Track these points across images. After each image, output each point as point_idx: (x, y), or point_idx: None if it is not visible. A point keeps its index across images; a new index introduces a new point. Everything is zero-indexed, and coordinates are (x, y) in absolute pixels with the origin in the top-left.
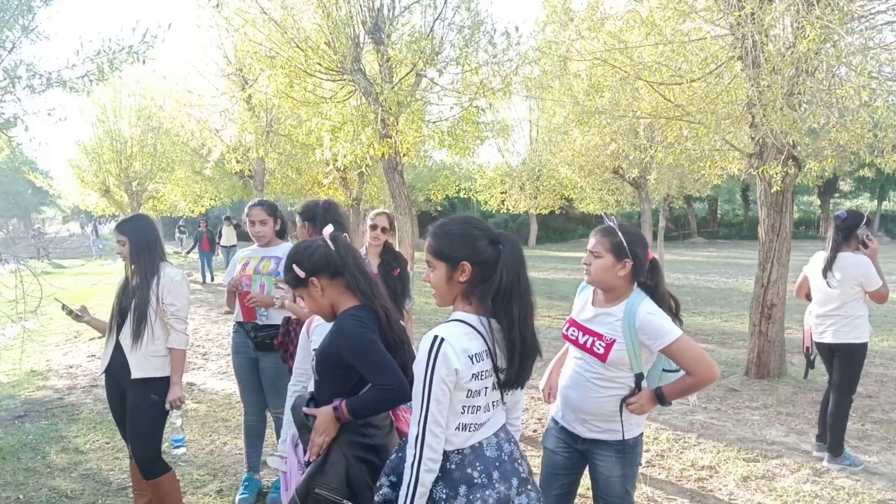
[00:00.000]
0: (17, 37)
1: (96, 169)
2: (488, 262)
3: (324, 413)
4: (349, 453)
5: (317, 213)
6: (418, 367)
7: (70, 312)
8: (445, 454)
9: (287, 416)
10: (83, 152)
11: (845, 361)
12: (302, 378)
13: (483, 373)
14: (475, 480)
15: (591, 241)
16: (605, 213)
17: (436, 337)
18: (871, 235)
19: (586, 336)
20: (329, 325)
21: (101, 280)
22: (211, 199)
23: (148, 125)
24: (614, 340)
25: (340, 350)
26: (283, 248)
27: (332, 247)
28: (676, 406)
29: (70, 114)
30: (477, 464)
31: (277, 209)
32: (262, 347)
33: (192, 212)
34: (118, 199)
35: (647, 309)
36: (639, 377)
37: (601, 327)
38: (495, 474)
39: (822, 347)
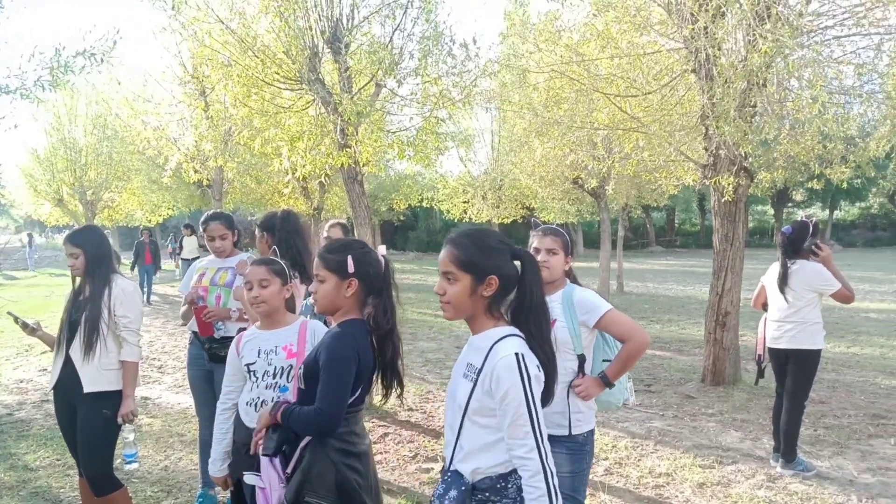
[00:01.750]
0: None
1: (49, 178)
2: (510, 277)
3: (263, 411)
4: (337, 460)
5: (275, 224)
6: (514, 389)
7: (25, 326)
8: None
9: (217, 436)
10: (36, 161)
11: (799, 367)
12: (232, 395)
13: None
14: None
15: (546, 240)
16: (532, 219)
17: (517, 354)
18: (820, 244)
19: None
20: (260, 339)
21: (55, 292)
22: (169, 209)
23: (104, 133)
24: (555, 320)
25: (321, 360)
26: (238, 259)
27: (383, 266)
28: (635, 413)
29: (23, 121)
30: None
31: (233, 220)
32: (217, 360)
33: (150, 221)
34: (72, 209)
35: (581, 290)
36: (581, 358)
37: None
38: None
39: (777, 354)
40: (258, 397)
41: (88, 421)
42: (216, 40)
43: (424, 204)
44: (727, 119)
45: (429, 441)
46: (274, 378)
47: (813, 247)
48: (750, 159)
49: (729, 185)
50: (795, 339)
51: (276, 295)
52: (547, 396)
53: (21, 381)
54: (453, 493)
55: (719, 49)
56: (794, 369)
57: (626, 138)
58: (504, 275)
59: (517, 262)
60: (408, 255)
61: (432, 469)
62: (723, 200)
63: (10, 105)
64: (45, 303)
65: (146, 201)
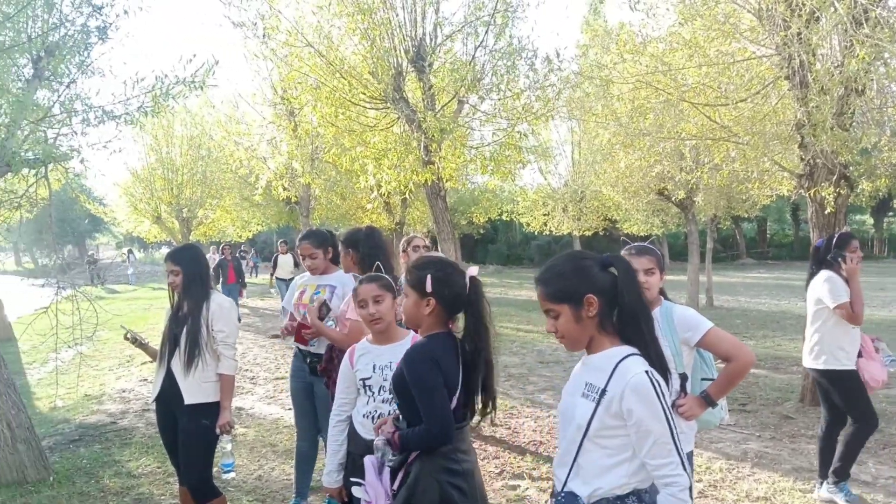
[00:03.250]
0: (74, 72)
1: (149, 196)
2: (608, 287)
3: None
4: (443, 479)
5: (358, 241)
6: (653, 408)
7: (135, 341)
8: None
9: (332, 447)
10: (136, 180)
11: (836, 389)
12: (345, 407)
13: None
14: None
15: (642, 260)
16: (622, 238)
17: (647, 372)
18: (847, 256)
19: None
20: (374, 354)
21: (153, 304)
22: (259, 225)
23: (198, 153)
24: None
25: (407, 380)
26: (337, 277)
27: (467, 287)
28: (730, 433)
29: (124, 143)
30: None
31: (327, 238)
32: (316, 373)
33: (240, 237)
34: (169, 226)
35: (680, 307)
36: (683, 377)
37: None
38: None
39: (810, 372)
40: (375, 410)
41: (189, 431)
42: (305, 63)
43: (504, 217)
44: (824, 128)
45: (514, 458)
46: (390, 393)
47: (840, 259)
48: (850, 168)
49: (829, 195)
50: (821, 359)
51: (390, 310)
52: None
53: (124, 391)
54: None
55: (814, 55)
56: (833, 392)
57: (715, 149)
58: (600, 288)
59: (612, 269)
60: (488, 269)
61: (518, 486)
62: (824, 212)
63: (116, 129)
64: (144, 315)
65: (237, 218)
